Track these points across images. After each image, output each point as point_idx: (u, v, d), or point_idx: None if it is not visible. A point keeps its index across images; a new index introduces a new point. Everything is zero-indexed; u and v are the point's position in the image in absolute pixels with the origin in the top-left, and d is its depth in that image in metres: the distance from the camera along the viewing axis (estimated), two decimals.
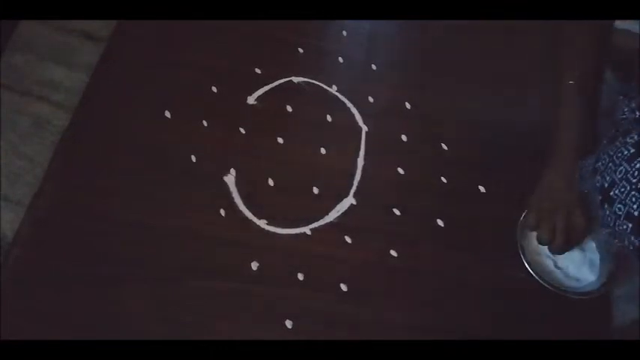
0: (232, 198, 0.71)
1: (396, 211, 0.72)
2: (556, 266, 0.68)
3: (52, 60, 1.14)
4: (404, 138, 0.78)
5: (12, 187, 0.99)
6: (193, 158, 0.73)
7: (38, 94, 1.10)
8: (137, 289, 0.64)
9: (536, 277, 0.67)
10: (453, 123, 0.80)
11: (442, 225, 0.72)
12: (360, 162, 0.76)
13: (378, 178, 0.75)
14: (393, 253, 0.69)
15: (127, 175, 0.71)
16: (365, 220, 0.71)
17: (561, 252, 0.66)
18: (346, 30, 0.87)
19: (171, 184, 0.71)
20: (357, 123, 0.79)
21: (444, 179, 0.75)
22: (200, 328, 0.63)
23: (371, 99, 0.81)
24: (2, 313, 0.60)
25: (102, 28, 1.16)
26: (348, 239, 0.70)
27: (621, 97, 0.62)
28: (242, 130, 0.76)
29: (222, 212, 0.70)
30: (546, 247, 0.67)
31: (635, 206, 0.53)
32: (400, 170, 0.75)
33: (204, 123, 0.76)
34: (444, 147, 0.78)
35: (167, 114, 0.76)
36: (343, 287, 0.67)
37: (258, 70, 0.81)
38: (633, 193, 0.53)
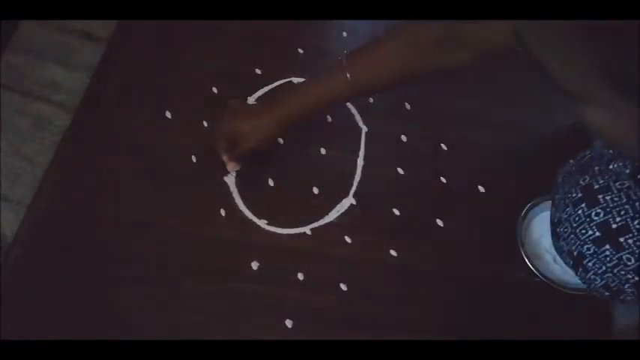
0: (232, 198, 0.71)
1: (396, 211, 0.72)
2: (555, 261, 0.68)
3: (52, 60, 1.14)
4: (404, 138, 0.78)
5: (12, 187, 0.98)
6: (193, 158, 0.73)
7: (38, 95, 1.10)
8: (137, 289, 0.64)
9: (535, 271, 0.67)
10: (453, 123, 0.80)
11: (442, 225, 0.72)
12: (360, 162, 0.76)
13: (378, 178, 0.75)
14: (393, 253, 0.69)
15: (127, 175, 0.71)
16: (365, 220, 0.71)
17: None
18: (346, 30, 0.87)
19: (171, 184, 0.71)
20: (357, 123, 0.79)
21: (443, 179, 0.75)
22: (200, 328, 0.63)
23: (371, 99, 0.81)
24: (2, 313, 0.60)
25: (102, 28, 1.15)
26: (348, 239, 0.70)
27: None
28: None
29: (222, 212, 0.70)
30: (546, 241, 0.68)
31: (573, 247, 0.57)
32: (400, 170, 0.75)
33: (204, 123, 0.76)
34: (444, 147, 0.78)
35: (167, 114, 0.76)
36: (343, 287, 0.67)
37: (258, 71, 0.81)
38: (572, 236, 0.57)
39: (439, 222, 0.72)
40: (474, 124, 0.80)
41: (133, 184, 0.70)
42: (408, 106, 0.81)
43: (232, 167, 0.70)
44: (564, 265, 0.68)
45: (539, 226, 0.70)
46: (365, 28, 0.88)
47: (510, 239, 0.70)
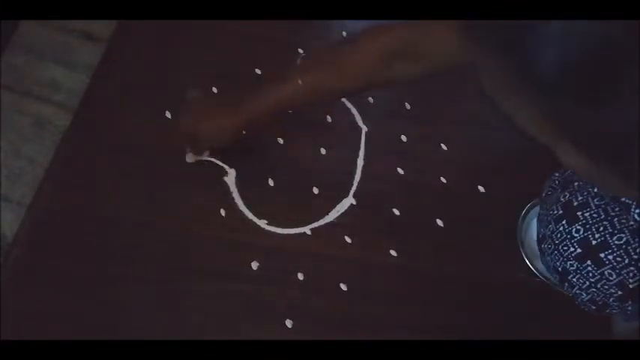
0: (232, 198, 0.71)
1: (396, 211, 0.72)
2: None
3: (52, 60, 1.14)
4: (404, 138, 0.78)
5: (12, 187, 0.99)
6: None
7: (38, 95, 1.10)
8: (137, 289, 0.64)
9: (535, 271, 0.67)
10: (453, 123, 0.80)
11: (442, 225, 0.72)
12: (360, 162, 0.76)
13: (378, 178, 0.75)
14: (393, 253, 0.69)
15: (127, 175, 0.71)
16: (365, 220, 0.71)
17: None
18: (346, 30, 0.87)
19: (172, 184, 0.71)
20: (357, 123, 0.79)
21: (443, 179, 0.75)
22: (200, 328, 0.63)
23: (371, 99, 0.81)
24: (2, 313, 0.60)
25: (102, 28, 1.15)
26: (348, 239, 0.70)
27: None
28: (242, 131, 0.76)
29: (222, 212, 0.70)
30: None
31: (557, 263, 0.58)
32: (400, 170, 0.75)
33: None
34: (444, 147, 0.78)
35: (167, 114, 0.76)
36: (343, 287, 0.67)
37: (258, 71, 0.81)
38: (556, 252, 0.58)
39: (439, 222, 0.72)
40: (474, 124, 0.80)
41: (133, 184, 0.70)
42: (408, 106, 0.81)
43: (191, 158, 0.72)
44: None
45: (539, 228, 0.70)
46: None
47: (510, 239, 0.70)
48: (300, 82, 0.60)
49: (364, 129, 0.78)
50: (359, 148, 0.77)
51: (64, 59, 1.14)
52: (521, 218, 0.70)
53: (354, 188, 0.73)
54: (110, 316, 0.62)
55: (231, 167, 0.73)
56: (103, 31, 1.14)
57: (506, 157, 0.78)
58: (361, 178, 0.74)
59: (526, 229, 0.71)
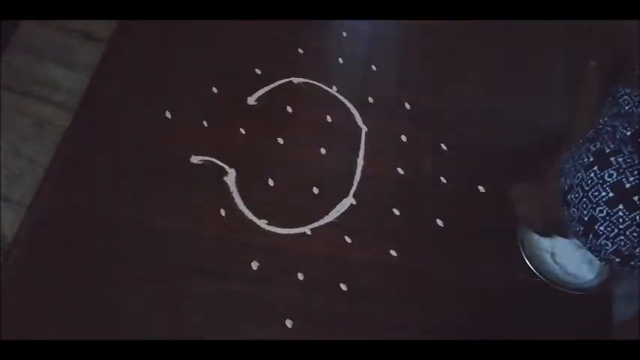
0: (232, 198, 0.71)
1: (396, 211, 0.72)
2: (555, 261, 0.68)
3: (52, 60, 1.14)
4: (404, 138, 0.78)
5: (12, 187, 0.99)
6: (193, 158, 0.73)
7: (38, 95, 1.10)
8: (137, 289, 0.64)
9: (535, 272, 0.67)
10: (453, 123, 0.80)
11: (442, 225, 0.72)
12: (360, 162, 0.76)
13: (378, 178, 0.75)
14: (393, 253, 0.69)
15: (127, 175, 0.71)
16: (365, 220, 0.71)
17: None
18: (346, 30, 0.87)
19: (172, 184, 0.71)
20: (357, 123, 0.79)
21: (443, 179, 0.75)
22: (200, 328, 0.63)
23: (371, 99, 0.81)
24: (2, 313, 0.60)
25: (102, 28, 1.16)
26: (348, 239, 0.70)
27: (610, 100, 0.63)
28: (242, 130, 0.76)
29: (222, 212, 0.70)
30: (546, 242, 0.68)
31: (585, 212, 0.56)
32: (400, 170, 0.75)
33: (204, 123, 0.76)
34: (444, 147, 0.78)
35: (167, 114, 0.76)
36: (343, 287, 0.67)
37: (258, 71, 0.81)
38: (584, 200, 0.56)
39: (439, 222, 0.72)
40: (474, 124, 0.80)
41: (133, 184, 0.70)
42: (408, 106, 0.81)
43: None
44: (564, 265, 0.68)
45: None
46: (365, 28, 0.88)
47: (510, 239, 0.70)
48: None
49: (364, 129, 0.78)
50: (359, 148, 0.77)
51: (64, 59, 1.14)
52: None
53: (354, 188, 0.73)
54: (110, 316, 0.62)
55: (231, 167, 0.73)
56: (103, 31, 1.14)
57: (506, 157, 0.78)
58: (361, 178, 0.74)
59: (526, 230, 0.71)
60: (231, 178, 0.72)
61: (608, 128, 0.60)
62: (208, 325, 0.63)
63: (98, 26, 1.17)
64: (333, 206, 0.72)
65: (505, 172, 0.76)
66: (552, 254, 0.68)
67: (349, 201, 0.72)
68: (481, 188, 0.75)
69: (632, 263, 0.56)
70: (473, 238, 0.71)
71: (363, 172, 0.75)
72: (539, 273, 0.67)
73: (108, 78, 0.78)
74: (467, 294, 0.68)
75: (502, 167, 0.76)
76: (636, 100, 0.60)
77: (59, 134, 0.78)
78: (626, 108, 0.60)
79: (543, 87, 0.84)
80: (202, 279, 0.65)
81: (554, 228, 0.66)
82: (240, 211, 0.70)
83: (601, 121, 0.63)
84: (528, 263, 0.68)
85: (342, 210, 0.72)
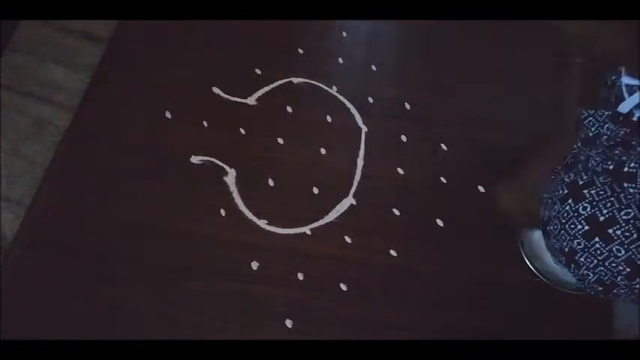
0: (232, 198, 0.71)
1: (396, 211, 0.72)
2: (555, 262, 0.68)
3: (52, 60, 1.14)
4: (404, 138, 0.78)
5: (12, 187, 0.98)
6: (193, 158, 0.73)
7: (38, 95, 1.10)
8: (137, 289, 0.64)
9: (535, 272, 0.67)
10: (453, 123, 0.80)
11: (442, 225, 0.72)
12: (360, 162, 0.76)
13: (378, 178, 0.75)
14: (393, 253, 0.69)
15: (127, 175, 0.71)
16: (365, 220, 0.71)
17: None
18: (346, 30, 0.87)
19: (171, 184, 0.71)
20: (357, 123, 0.79)
21: (443, 179, 0.75)
22: (200, 328, 0.63)
23: (371, 99, 0.81)
24: (2, 313, 0.60)
25: (102, 28, 1.15)
26: (348, 239, 0.70)
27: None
28: (242, 130, 0.76)
29: (222, 212, 0.70)
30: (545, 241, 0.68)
31: (564, 243, 0.58)
32: (400, 170, 0.75)
33: (204, 123, 0.76)
34: (444, 147, 0.78)
35: (167, 114, 0.76)
36: (343, 287, 0.67)
37: (258, 71, 0.81)
38: (562, 232, 0.58)
39: (439, 222, 0.72)
40: (474, 124, 0.80)
41: (133, 184, 0.70)
42: (408, 106, 0.81)
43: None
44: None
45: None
46: (365, 28, 0.88)
47: (510, 239, 0.70)
48: None
49: (364, 129, 0.78)
50: (359, 148, 0.77)
51: (64, 59, 1.13)
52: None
53: (354, 188, 0.73)
54: (110, 316, 0.62)
55: (231, 167, 0.73)
56: (103, 31, 1.14)
57: (506, 157, 0.78)
58: (361, 178, 0.74)
59: (526, 230, 0.71)
60: (231, 178, 0.72)
61: (582, 157, 0.61)
62: (208, 325, 0.63)
63: (98, 26, 1.16)
64: (333, 206, 0.72)
65: (505, 172, 0.76)
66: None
67: (349, 201, 0.72)
68: (481, 188, 0.75)
69: (615, 291, 0.57)
70: (473, 238, 0.71)
71: (363, 172, 0.75)
72: (539, 273, 0.67)
73: (108, 78, 0.78)
74: (467, 294, 0.68)
75: (502, 167, 0.76)
76: (600, 120, 0.61)
77: (59, 134, 0.78)
78: (593, 129, 0.61)
79: (543, 87, 0.84)
80: (202, 279, 0.65)
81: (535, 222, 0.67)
82: (240, 211, 0.70)
83: (575, 146, 0.63)
84: (528, 263, 0.68)
85: (342, 210, 0.72)
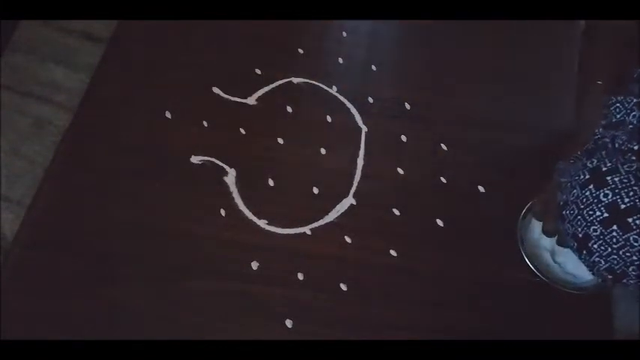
0: (232, 198, 0.71)
1: (396, 211, 0.72)
2: (555, 261, 0.68)
3: (52, 60, 1.14)
4: (404, 138, 0.78)
5: (12, 187, 0.98)
6: (193, 158, 0.73)
7: (38, 95, 1.10)
8: (137, 289, 0.64)
9: (535, 271, 0.67)
10: (453, 123, 0.80)
11: (442, 225, 0.72)
12: (360, 162, 0.75)
13: (378, 178, 0.75)
14: (393, 253, 0.69)
15: (127, 175, 0.71)
16: (365, 220, 0.71)
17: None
18: (346, 30, 0.87)
19: (171, 184, 0.71)
20: (357, 123, 0.79)
21: (443, 179, 0.75)
22: (200, 328, 0.63)
23: (371, 99, 0.81)
24: (2, 313, 0.60)
25: (102, 28, 1.16)
26: (348, 239, 0.70)
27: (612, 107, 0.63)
28: (242, 130, 0.76)
29: (222, 212, 0.70)
30: (545, 241, 0.68)
31: (579, 229, 0.56)
32: (400, 170, 0.75)
33: (204, 123, 0.76)
34: (444, 147, 0.78)
35: (167, 114, 0.76)
36: (343, 287, 0.67)
37: (258, 71, 0.81)
38: (579, 217, 0.56)
39: (439, 222, 0.72)
40: (474, 124, 0.80)
41: (133, 184, 0.70)
42: (408, 106, 0.81)
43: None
44: (564, 264, 0.68)
45: (539, 226, 0.70)
46: (365, 28, 0.88)
47: (510, 239, 0.70)
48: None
49: (364, 129, 0.78)
50: (359, 148, 0.77)
51: (64, 59, 1.14)
52: (521, 218, 0.70)
53: (354, 188, 0.73)
54: (110, 316, 0.62)
55: (231, 167, 0.73)
56: (103, 31, 1.14)
57: (506, 157, 0.78)
58: (361, 178, 0.74)
59: (526, 228, 0.71)
60: (231, 178, 0.72)
61: (607, 139, 0.60)
62: (208, 325, 0.63)
63: (98, 26, 1.17)
64: (333, 206, 0.72)
65: (505, 172, 0.76)
66: (552, 253, 0.68)
67: (349, 201, 0.72)
68: (481, 188, 0.75)
69: (625, 281, 0.57)
70: (473, 238, 0.71)
71: (363, 172, 0.75)
72: (539, 272, 0.67)
73: (108, 78, 0.78)
74: (467, 294, 0.68)
75: (502, 167, 0.76)
76: (628, 107, 0.60)
77: (59, 134, 0.78)
78: (618, 116, 0.60)
79: (544, 87, 0.84)
80: (202, 279, 0.65)
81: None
82: (240, 211, 0.70)
83: (597, 131, 0.63)
84: (528, 263, 0.68)
85: (342, 210, 0.72)
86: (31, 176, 0.99)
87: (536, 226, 0.70)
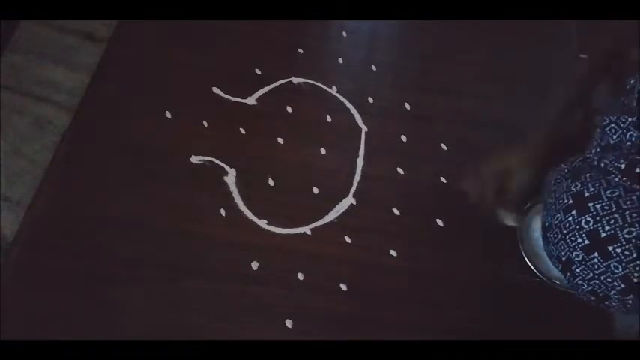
0: (232, 198, 0.71)
1: (396, 211, 0.72)
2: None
3: (52, 60, 1.14)
4: (404, 138, 0.78)
5: (12, 188, 0.98)
6: (193, 158, 0.73)
7: (39, 95, 1.10)
8: (137, 289, 0.64)
9: (535, 271, 0.67)
10: (453, 123, 0.80)
11: (442, 225, 0.72)
12: (360, 162, 0.76)
13: (378, 178, 0.75)
14: (393, 253, 0.69)
15: (128, 176, 0.71)
16: (365, 220, 0.71)
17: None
18: (346, 30, 0.87)
19: (171, 184, 0.71)
20: (357, 123, 0.79)
21: (443, 179, 0.75)
22: (200, 328, 0.63)
23: (371, 99, 0.81)
24: (2, 313, 0.60)
25: (102, 28, 1.16)
26: (348, 239, 0.70)
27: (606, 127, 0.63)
28: (242, 130, 0.76)
29: (222, 212, 0.70)
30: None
31: (562, 252, 0.57)
32: (400, 170, 0.75)
33: (204, 123, 0.76)
34: (444, 147, 0.78)
35: (167, 114, 0.76)
36: (343, 287, 0.67)
37: (258, 71, 0.81)
38: (562, 242, 0.58)
39: (439, 222, 0.72)
40: (473, 124, 0.80)
41: (134, 184, 0.70)
42: (408, 106, 0.81)
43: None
44: None
45: (539, 226, 0.70)
46: (365, 28, 0.88)
47: (510, 239, 0.70)
48: None
49: (364, 129, 0.78)
50: (359, 148, 0.77)
51: (64, 59, 1.14)
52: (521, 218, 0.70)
53: (354, 188, 0.73)
54: (110, 316, 0.62)
55: (231, 167, 0.73)
56: (103, 31, 1.14)
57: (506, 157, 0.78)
58: (361, 178, 0.74)
59: (526, 228, 0.71)
60: (231, 178, 0.72)
61: (595, 163, 0.60)
62: (208, 325, 0.63)
63: (98, 26, 1.17)
64: (333, 206, 0.72)
65: (505, 172, 0.76)
66: None
67: (349, 201, 0.72)
68: None
69: (607, 303, 0.58)
70: (473, 238, 0.71)
71: (363, 172, 0.75)
72: (539, 272, 0.67)
73: (108, 78, 0.78)
74: (466, 294, 0.68)
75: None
76: (623, 127, 0.60)
77: (59, 134, 0.78)
78: (614, 137, 0.61)
79: (544, 87, 0.84)
80: (202, 279, 0.65)
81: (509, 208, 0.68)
82: (240, 211, 0.70)
83: (590, 153, 0.63)
84: (528, 262, 0.68)
85: (342, 210, 0.72)
86: (31, 176, 0.99)
87: (537, 226, 0.70)
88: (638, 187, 0.54)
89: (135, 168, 0.72)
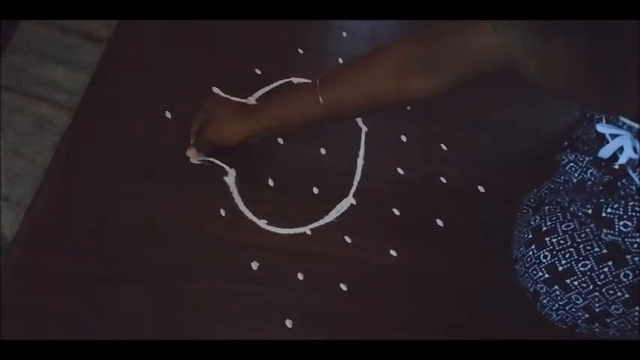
0: (232, 198, 0.71)
1: (396, 211, 0.72)
2: None
3: (52, 60, 1.14)
4: (404, 138, 0.78)
5: (12, 188, 0.98)
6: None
7: (38, 95, 1.10)
8: (137, 289, 0.64)
9: None
10: (453, 123, 0.80)
11: (442, 225, 0.72)
12: (360, 162, 0.76)
13: (378, 178, 0.75)
14: (393, 253, 0.69)
15: (127, 175, 0.71)
16: (365, 220, 0.71)
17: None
18: (346, 30, 0.87)
19: (172, 184, 0.71)
20: (357, 123, 0.79)
21: (443, 179, 0.75)
22: (200, 328, 0.63)
23: None
24: (2, 313, 0.60)
25: (102, 28, 1.15)
26: (348, 239, 0.70)
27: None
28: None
29: (222, 212, 0.70)
30: None
31: (529, 285, 0.60)
32: (400, 170, 0.75)
33: None
34: (444, 147, 0.78)
35: (167, 114, 0.76)
36: (343, 287, 0.67)
37: (258, 71, 0.81)
38: (526, 275, 0.60)
39: (439, 222, 0.72)
40: (474, 124, 0.80)
41: (133, 184, 0.70)
42: (407, 106, 0.81)
43: (192, 154, 0.71)
44: None
45: None
46: (365, 28, 0.88)
47: (510, 239, 0.70)
48: (321, 100, 0.60)
49: (364, 129, 0.78)
50: (359, 148, 0.77)
51: (64, 59, 1.13)
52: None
53: (354, 188, 0.73)
54: (110, 316, 0.62)
55: (231, 167, 0.73)
56: (103, 31, 1.14)
57: (506, 157, 0.78)
58: (361, 178, 0.74)
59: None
60: (231, 178, 0.72)
61: (552, 199, 0.62)
62: (208, 325, 0.63)
63: (98, 26, 1.16)
64: (333, 206, 0.72)
65: (505, 172, 0.76)
66: None
67: (349, 201, 0.72)
68: (481, 188, 0.75)
69: (578, 331, 0.60)
70: (473, 238, 0.71)
71: (363, 172, 0.75)
72: None
73: (108, 78, 0.78)
74: (467, 294, 0.68)
75: (502, 167, 0.76)
76: (582, 165, 0.61)
77: (59, 134, 0.78)
78: (576, 175, 0.61)
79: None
80: (202, 279, 0.65)
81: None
82: (240, 211, 0.70)
83: (545, 185, 0.64)
84: None
85: (342, 210, 0.72)
86: (31, 176, 0.99)
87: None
88: (605, 230, 0.55)
89: (135, 168, 0.72)
